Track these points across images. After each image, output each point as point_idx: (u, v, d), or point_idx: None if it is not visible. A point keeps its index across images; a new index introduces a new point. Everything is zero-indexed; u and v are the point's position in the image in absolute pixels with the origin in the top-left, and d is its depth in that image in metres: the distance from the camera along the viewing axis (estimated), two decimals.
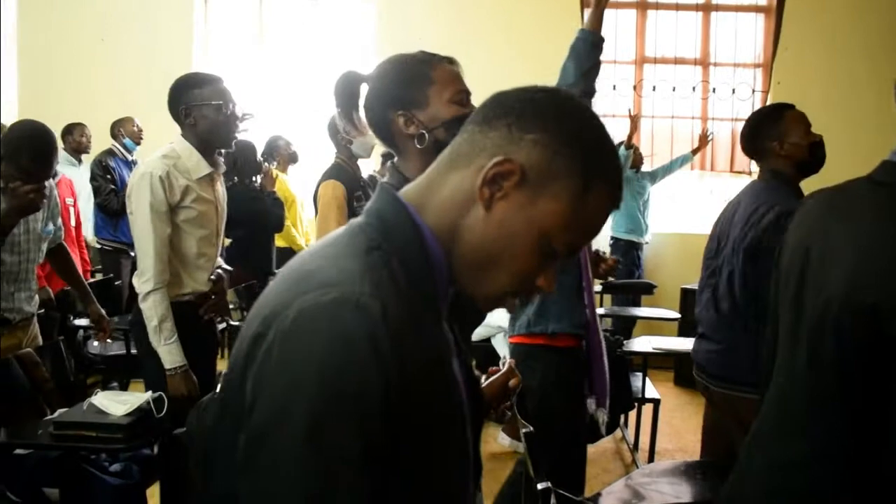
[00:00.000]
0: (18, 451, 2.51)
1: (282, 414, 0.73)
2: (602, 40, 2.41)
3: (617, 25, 6.23)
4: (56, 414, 2.45)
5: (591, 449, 4.08)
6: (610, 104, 6.18)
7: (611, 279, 5.67)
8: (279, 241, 5.28)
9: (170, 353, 2.49)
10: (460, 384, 0.89)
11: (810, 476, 1.23)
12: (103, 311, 3.25)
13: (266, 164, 4.99)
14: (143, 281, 2.49)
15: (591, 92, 2.47)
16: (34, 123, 2.83)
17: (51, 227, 2.98)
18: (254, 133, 4.56)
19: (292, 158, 5.70)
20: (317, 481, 0.71)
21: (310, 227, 5.47)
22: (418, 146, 1.59)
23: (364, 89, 1.68)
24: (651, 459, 3.93)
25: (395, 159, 1.71)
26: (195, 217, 2.57)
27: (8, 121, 5.95)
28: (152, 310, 2.48)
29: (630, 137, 5.67)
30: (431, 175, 0.90)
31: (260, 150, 5.29)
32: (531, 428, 2.03)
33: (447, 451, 0.84)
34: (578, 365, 2.59)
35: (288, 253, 5.15)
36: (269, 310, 0.79)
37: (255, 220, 4.62)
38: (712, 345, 2.57)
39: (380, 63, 1.67)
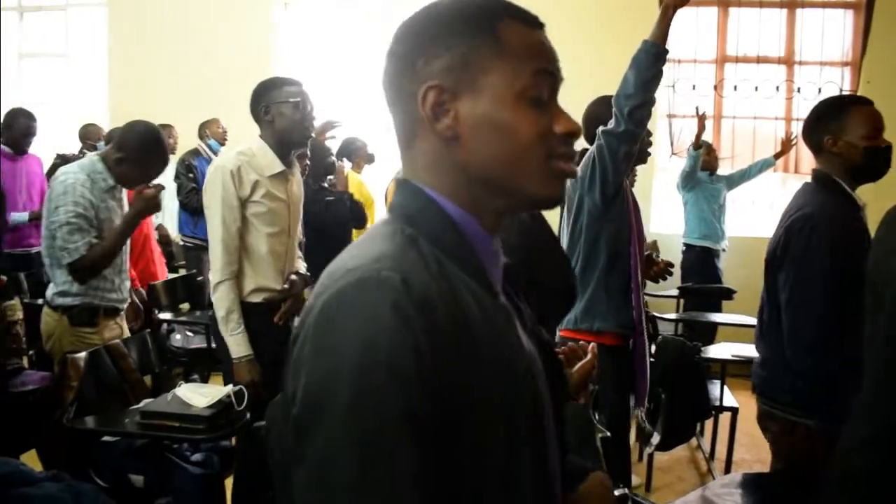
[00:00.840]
0: (106, 438, 2.61)
1: (323, 397, 0.74)
2: (665, 52, 2.39)
3: (698, 23, 6.09)
4: (142, 404, 2.54)
5: (665, 456, 4.03)
6: (689, 104, 6.04)
7: (681, 285, 5.57)
8: None
9: (236, 344, 2.58)
10: (528, 358, 0.88)
11: (881, 455, 1.26)
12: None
13: (339, 163, 5.05)
14: (214, 271, 2.60)
15: (650, 102, 2.44)
16: (147, 125, 2.92)
17: None
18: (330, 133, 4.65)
19: (369, 159, 5.76)
20: (363, 455, 0.72)
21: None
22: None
23: None
24: (728, 470, 3.83)
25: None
26: (265, 213, 2.63)
27: (100, 122, 6.24)
28: (220, 301, 2.58)
29: (698, 138, 5.51)
30: (406, 164, 0.92)
31: (335, 150, 5.36)
32: (607, 433, 2.02)
33: (511, 424, 0.82)
34: (622, 364, 2.59)
35: None
36: (307, 305, 0.82)
37: (333, 220, 4.68)
38: (758, 356, 2.48)
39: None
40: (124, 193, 2.98)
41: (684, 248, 5.83)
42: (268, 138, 2.66)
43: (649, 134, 2.73)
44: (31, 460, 2.56)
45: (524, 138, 0.85)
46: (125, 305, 3.03)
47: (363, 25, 6.93)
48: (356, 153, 5.62)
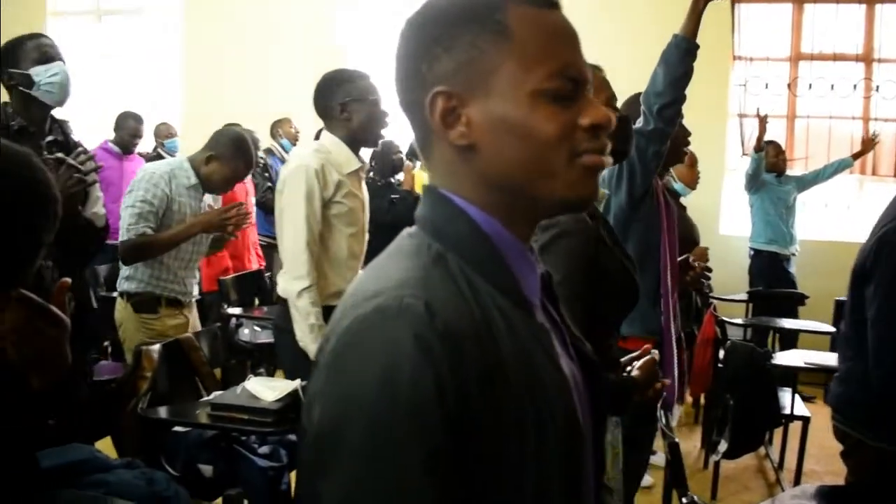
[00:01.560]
0: (178, 428, 2.69)
1: (337, 438, 0.69)
2: (696, 47, 2.30)
3: (770, 21, 5.93)
4: (212, 396, 2.60)
5: (731, 465, 3.94)
6: (761, 103, 5.88)
7: (750, 290, 5.43)
8: None
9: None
10: (563, 376, 0.82)
11: None
12: None
13: (407, 162, 5.07)
14: (296, 277, 2.48)
15: (680, 100, 2.36)
16: (238, 130, 3.10)
17: None
18: (399, 131, 4.67)
19: None
20: (378, 491, 0.68)
21: None
22: None
23: None
24: (797, 481, 3.72)
25: None
26: (345, 213, 2.56)
27: (173, 122, 6.42)
28: (307, 308, 2.47)
29: (759, 140, 5.35)
30: (431, 173, 0.87)
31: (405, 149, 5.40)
32: (675, 438, 1.98)
33: (542, 449, 0.76)
34: None
35: None
36: (327, 332, 0.78)
37: (397, 218, 4.72)
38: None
39: None
40: (206, 198, 3.07)
41: (752, 252, 5.67)
42: (340, 134, 2.59)
43: (687, 133, 2.64)
44: (106, 448, 2.65)
45: (545, 139, 0.77)
46: (189, 299, 3.10)
47: None
48: None
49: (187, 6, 7.43)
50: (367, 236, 2.76)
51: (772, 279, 5.46)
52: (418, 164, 5.48)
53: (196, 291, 3.19)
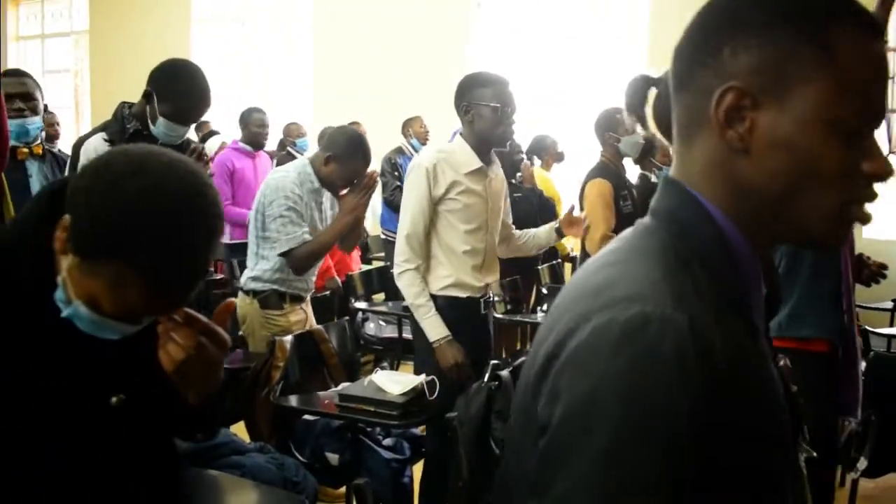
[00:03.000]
0: (306, 416, 2.80)
1: (579, 438, 0.68)
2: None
3: None
4: (340, 387, 2.69)
5: (871, 484, 3.69)
6: None
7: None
8: None
9: (432, 326, 2.64)
10: (781, 402, 0.78)
11: None
12: None
13: (526, 161, 5.06)
14: (397, 263, 2.71)
15: None
16: (354, 130, 3.15)
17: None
18: (520, 130, 4.67)
19: (558, 158, 5.74)
20: None
21: None
22: None
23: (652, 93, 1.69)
24: None
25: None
26: (460, 209, 2.66)
27: (303, 121, 6.66)
28: (406, 288, 2.68)
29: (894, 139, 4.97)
30: (679, 162, 0.81)
31: (525, 147, 5.39)
32: (813, 453, 1.88)
33: (776, 470, 0.74)
34: (830, 372, 2.41)
35: (555, 251, 5.21)
36: (563, 326, 0.74)
37: (520, 217, 4.72)
38: None
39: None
40: (326, 198, 3.16)
41: None
42: (468, 136, 2.70)
43: None
44: (239, 432, 2.79)
45: (825, 173, 0.72)
46: (308, 294, 3.20)
47: (555, 22, 6.90)
48: (546, 151, 5.61)
49: (317, 9, 7.69)
50: (496, 233, 2.83)
51: None
52: (538, 162, 5.46)
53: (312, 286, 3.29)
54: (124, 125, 2.48)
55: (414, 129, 5.71)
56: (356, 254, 4.92)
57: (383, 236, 5.62)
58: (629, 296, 0.71)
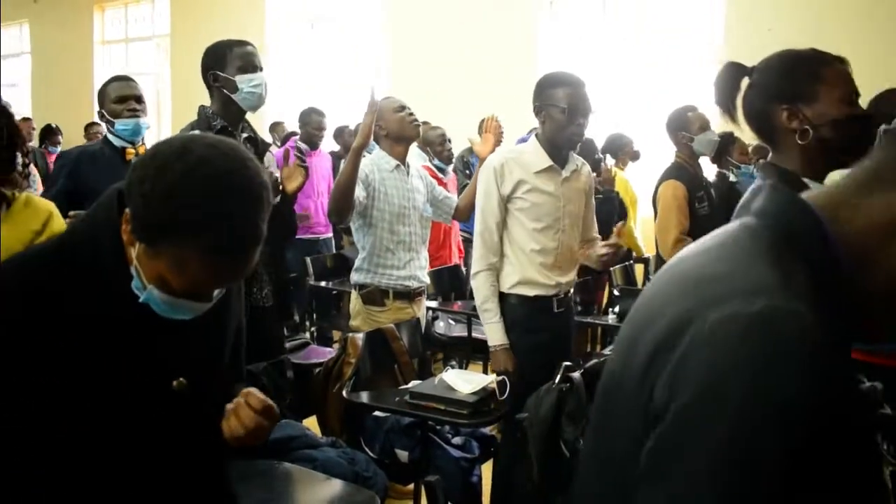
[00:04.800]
0: (377, 413, 2.82)
1: (700, 428, 0.70)
2: None
3: None
4: (410, 385, 2.70)
5: None
6: None
7: None
8: None
9: (492, 332, 2.66)
10: (866, 410, 0.82)
11: None
12: None
13: (605, 162, 4.99)
14: (473, 261, 2.74)
15: None
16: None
17: (430, 209, 3.32)
18: (595, 128, 4.62)
19: (634, 157, 5.65)
20: (732, 497, 0.68)
21: (642, 226, 5.39)
22: (800, 142, 1.55)
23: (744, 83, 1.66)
24: None
25: (770, 156, 1.66)
26: (528, 208, 2.67)
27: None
28: (477, 290, 2.71)
29: None
30: (848, 189, 0.80)
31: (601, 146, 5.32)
32: None
33: (857, 481, 0.76)
34: None
35: (628, 252, 5.11)
36: (673, 317, 0.75)
37: (600, 218, 4.66)
38: None
39: (767, 56, 1.64)
40: (411, 170, 3.22)
41: None
42: (541, 135, 2.72)
43: None
44: (310, 426, 2.83)
45: None
46: (417, 286, 3.21)
47: (623, 21, 6.80)
48: (622, 150, 5.51)
49: (389, 11, 7.76)
50: (572, 233, 2.81)
51: None
52: (611, 161, 5.38)
53: (427, 279, 3.31)
54: (210, 123, 2.55)
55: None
56: (456, 249, 4.98)
57: (459, 236, 5.63)
58: (753, 289, 0.72)
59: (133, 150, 2.89)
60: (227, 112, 2.60)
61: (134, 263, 1.10)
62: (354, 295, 3.19)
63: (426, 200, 3.30)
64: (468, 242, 5.56)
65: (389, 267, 3.11)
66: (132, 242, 1.09)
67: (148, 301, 1.10)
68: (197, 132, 1.13)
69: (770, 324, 0.69)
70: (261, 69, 2.62)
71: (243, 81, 2.55)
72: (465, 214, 3.41)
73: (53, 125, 8.07)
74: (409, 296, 3.18)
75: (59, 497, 1.15)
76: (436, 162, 4.78)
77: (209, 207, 1.01)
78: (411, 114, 3.17)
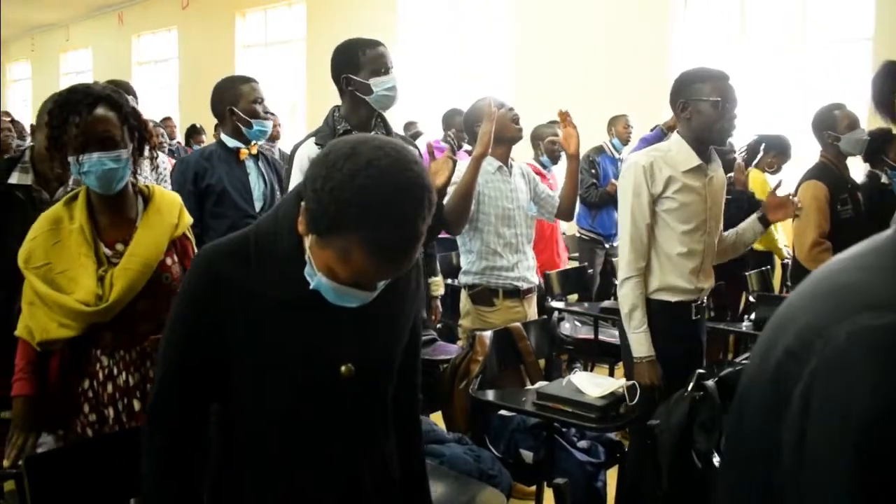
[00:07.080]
0: (502, 412, 2.82)
1: (828, 447, 0.66)
2: None
3: None
4: (537, 385, 2.69)
5: None
6: None
7: None
8: (756, 244, 5.05)
9: (638, 342, 2.57)
10: None
11: None
12: None
13: (739, 161, 4.79)
14: (620, 268, 2.63)
15: None
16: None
17: (534, 207, 3.31)
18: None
19: (784, 160, 5.37)
20: None
21: (783, 228, 5.13)
22: None
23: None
24: None
25: None
26: (677, 209, 2.57)
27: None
28: (625, 297, 2.59)
29: None
30: None
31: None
32: None
33: None
34: None
35: (766, 256, 4.92)
36: (802, 326, 0.72)
37: (732, 218, 4.49)
38: None
39: None
40: (514, 169, 3.22)
41: None
42: (685, 133, 2.61)
43: None
44: (436, 422, 2.87)
45: None
46: (526, 286, 3.19)
47: (764, 18, 6.50)
48: (783, 153, 5.22)
49: (519, 10, 7.75)
50: (715, 234, 2.72)
51: None
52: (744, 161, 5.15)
53: (535, 279, 3.29)
54: (335, 127, 2.60)
55: (617, 129, 5.59)
56: (563, 252, 4.94)
57: (578, 234, 5.57)
58: (882, 302, 0.67)
59: (246, 151, 3.02)
60: (357, 113, 2.62)
61: (307, 253, 1.20)
62: (464, 295, 3.19)
63: (530, 198, 3.27)
64: (585, 242, 5.49)
65: (499, 269, 3.10)
66: (306, 233, 1.19)
67: (318, 287, 1.19)
68: (370, 134, 1.23)
69: (893, 340, 0.64)
70: (392, 68, 2.63)
71: (377, 84, 2.56)
72: (567, 213, 3.33)
73: (198, 125, 8.53)
74: (518, 295, 3.16)
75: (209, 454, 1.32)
76: (543, 158, 4.73)
77: (372, 207, 1.08)
78: (511, 109, 3.11)
